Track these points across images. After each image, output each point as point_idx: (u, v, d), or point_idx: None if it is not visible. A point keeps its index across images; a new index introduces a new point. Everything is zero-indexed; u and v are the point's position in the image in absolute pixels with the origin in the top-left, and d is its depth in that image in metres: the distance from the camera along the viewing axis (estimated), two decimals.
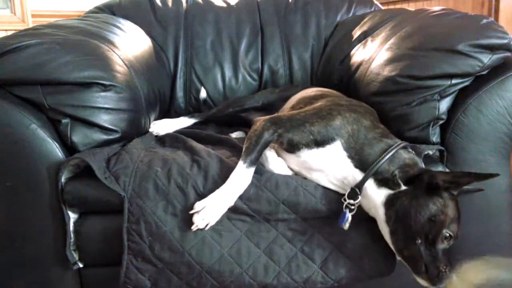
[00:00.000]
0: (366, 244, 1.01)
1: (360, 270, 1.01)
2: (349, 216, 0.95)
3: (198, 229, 0.96)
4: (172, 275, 0.97)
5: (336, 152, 0.99)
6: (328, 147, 0.99)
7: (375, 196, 0.95)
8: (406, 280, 1.12)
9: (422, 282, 0.91)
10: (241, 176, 0.96)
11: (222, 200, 0.95)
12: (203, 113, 1.57)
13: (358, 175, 0.97)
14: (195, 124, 1.53)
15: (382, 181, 0.95)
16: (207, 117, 1.55)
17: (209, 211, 0.94)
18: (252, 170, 0.98)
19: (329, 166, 0.99)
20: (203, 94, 1.69)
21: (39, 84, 1.02)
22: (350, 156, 0.98)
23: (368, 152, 0.97)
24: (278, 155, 1.07)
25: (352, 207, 0.95)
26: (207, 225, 0.95)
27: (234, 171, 0.97)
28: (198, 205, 0.94)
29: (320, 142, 0.99)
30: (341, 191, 1.00)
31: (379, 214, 0.94)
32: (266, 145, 1.01)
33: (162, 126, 1.40)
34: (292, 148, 1.02)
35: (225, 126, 1.54)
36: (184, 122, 1.51)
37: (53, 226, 1.03)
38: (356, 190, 0.95)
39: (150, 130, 1.37)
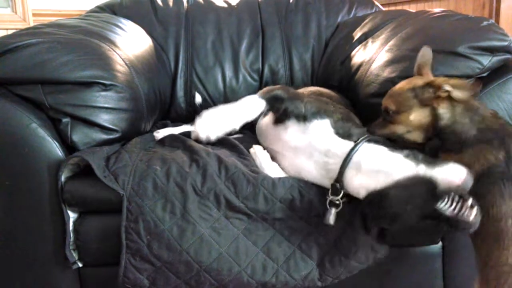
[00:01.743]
0: (360, 237, 0.99)
1: (357, 263, 1.01)
2: (332, 211, 0.94)
3: (196, 227, 0.96)
4: (170, 274, 0.98)
5: (323, 127, 0.99)
6: (315, 121, 1.00)
7: (376, 153, 0.91)
8: (406, 280, 1.13)
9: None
10: (251, 102, 1.01)
11: (228, 116, 0.98)
12: None
13: (344, 144, 0.95)
14: None
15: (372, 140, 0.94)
16: None
17: (212, 121, 0.96)
18: (263, 103, 1.02)
19: (314, 140, 0.99)
20: (198, 99, 1.66)
21: (40, 83, 1.02)
22: (337, 133, 0.98)
23: (354, 132, 0.97)
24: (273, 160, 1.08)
25: (337, 202, 0.94)
26: (207, 138, 0.97)
27: (245, 97, 1.02)
28: (205, 113, 0.96)
29: (309, 118, 1.01)
30: (327, 180, 0.97)
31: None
32: (275, 99, 1.04)
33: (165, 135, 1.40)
34: (282, 119, 1.04)
35: None
36: (187, 130, 1.50)
37: (52, 226, 1.03)
38: (337, 185, 0.93)
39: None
